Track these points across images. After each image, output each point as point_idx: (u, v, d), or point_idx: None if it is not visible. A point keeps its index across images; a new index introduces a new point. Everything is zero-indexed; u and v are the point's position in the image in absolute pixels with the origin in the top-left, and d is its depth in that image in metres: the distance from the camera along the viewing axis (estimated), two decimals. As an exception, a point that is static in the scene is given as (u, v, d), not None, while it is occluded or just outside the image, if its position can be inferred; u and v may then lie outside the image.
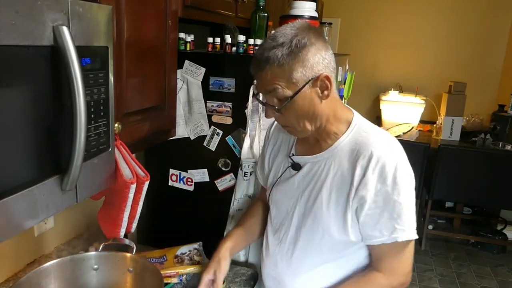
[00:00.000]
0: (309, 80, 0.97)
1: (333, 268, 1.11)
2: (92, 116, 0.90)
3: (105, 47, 0.93)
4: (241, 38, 1.60)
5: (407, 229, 1.00)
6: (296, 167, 1.14)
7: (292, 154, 1.17)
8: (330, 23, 2.18)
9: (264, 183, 1.35)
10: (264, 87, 1.01)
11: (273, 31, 1.02)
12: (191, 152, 1.71)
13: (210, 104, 1.65)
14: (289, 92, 0.97)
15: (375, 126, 1.10)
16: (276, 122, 1.23)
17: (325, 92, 1.00)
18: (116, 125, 1.06)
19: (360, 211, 1.01)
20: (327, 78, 0.98)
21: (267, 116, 1.05)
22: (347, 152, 1.04)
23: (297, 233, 1.13)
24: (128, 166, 1.18)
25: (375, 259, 1.09)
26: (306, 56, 0.95)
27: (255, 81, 1.54)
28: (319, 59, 0.97)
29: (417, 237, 1.02)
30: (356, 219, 1.03)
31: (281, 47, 0.95)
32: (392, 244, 1.02)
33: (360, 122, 1.08)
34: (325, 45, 1.00)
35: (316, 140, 1.11)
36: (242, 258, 1.66)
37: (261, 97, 1.15)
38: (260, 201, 1.41)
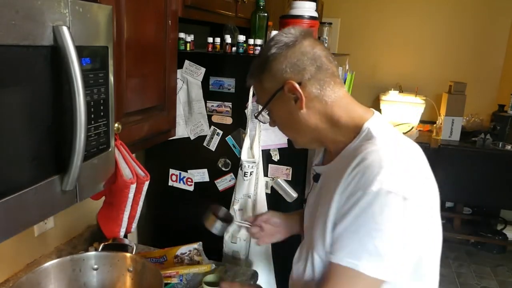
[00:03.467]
0: (278, 90, 0.92)
1: None
2: (92, 116, 0.90)
3: (105, 47, 0.93)
4: (241, 38, 1.60)
5: (366, 257, 0.78)
6: (316, 178, 1.03)
7: (316, 164, 1.06)
8: (330, 23, 2.19)
9: None
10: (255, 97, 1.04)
11: None
12: (191, 152, 1.71)
13: (210, 104, 1.65)
14: (264, 103, 0.97)
15: (391, 131, 0.92)
16: None
17: (298, 102, 0.91)
18: (116, 125, 1.06)
19: (337, 221, 0.84)
20: (292, 86, 0.89)
21: (270, 125, 1.04)
22: (345, 161, 0.87)
23: (303, 248, 1.02)
24: (128, 166, 1.18)
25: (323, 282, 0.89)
26: (271, 65, 0.92)
27: (255, 81, 1.55)
28: (286, 67, 0.90)
29: (382, 277, 0.79)
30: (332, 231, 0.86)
31: (257, 59, 0.97)
32: (340, 267, 0.81)
33: (372, 127, 0.89)
34: (305, 48, 0.91)
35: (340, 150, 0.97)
36: (242, 258, 1.66)
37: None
38: None
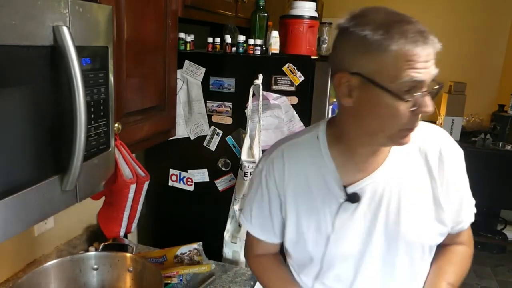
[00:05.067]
0: None
1: (416, 275, 0.97)
2: (92, 116, 0.90)
3: (105, 47, 0.92)
4: (241, 38, 1.60)
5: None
6: (355, 198, 0.89)
7: (344, 186, 0.90)
8: (330, 23, 2.18)
9: (278, 240, 1.03)
10: (433, 70, 0.78)
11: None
12: (191, 152, 1.71)
13: (210, 104, 1.65)
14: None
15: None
16: (276, 161, 0.95)
17: None
18: (116, 125, 1.06)
19: (448, 202, 0.93)
20: None
21: (432, 109, 0.80)
22: (410, 152, 0.90)
23: (386, 268, 0.92)
24: (128, 166, 1.18)
25: (456, 236, 1.02)
26: None
27: (255, 81, 1.55)
28: None
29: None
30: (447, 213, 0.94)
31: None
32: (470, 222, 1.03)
33: None
34: None
35: (371, 154, 0.89)
36: (242, 258, 1.66)
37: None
38: (272, 255, 1.09)
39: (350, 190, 0.89)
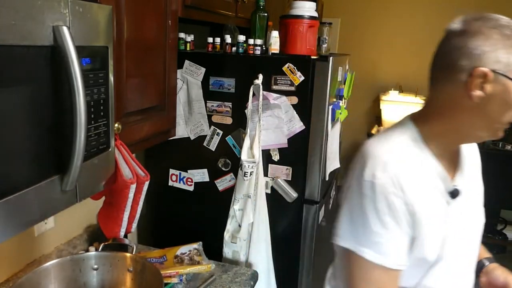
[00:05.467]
0: None
1: None
2: (92, 116, 0.90)
3: (105, 47, 0.92)
4: (241, 38, 1.60)
5: None
6: (457, 193, 0.91)
7: (454, 182, 0.93)
8: (330, 23, 2.18)
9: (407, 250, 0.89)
10: None
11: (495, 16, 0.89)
12: (191, 152, 1.71)
13: (210, 104, 1.65)
14: None
15: None
16: (400, 164, 0.87)
17: None
18: (116, 125, 1.06)
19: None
20: None
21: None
22: (466, 150, 1.01)
23: (474, 257, 1.01)
24: (128, 166, 1.18)
25: None
26: None
27: (255, 81, 1.55)
28: None
29: None
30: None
31: None
32: None
33: None
34: None
35: (457, 149, 0.97)
36: (242, 258, 1.66)
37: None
38: None
39: (458, 186, 0.91)
